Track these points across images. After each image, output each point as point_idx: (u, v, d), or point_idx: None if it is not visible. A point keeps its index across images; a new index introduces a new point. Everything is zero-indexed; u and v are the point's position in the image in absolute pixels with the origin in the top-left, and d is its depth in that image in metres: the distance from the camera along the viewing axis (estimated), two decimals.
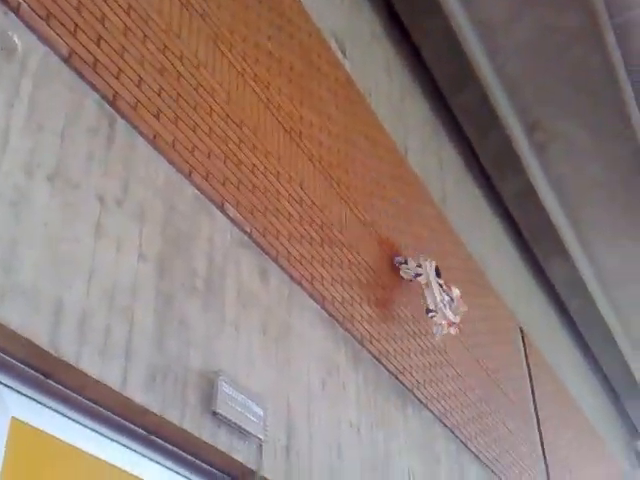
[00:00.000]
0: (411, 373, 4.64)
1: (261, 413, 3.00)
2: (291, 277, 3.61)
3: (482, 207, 7.84)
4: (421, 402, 4.70)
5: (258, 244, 3.42)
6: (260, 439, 2.96)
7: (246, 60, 3.85)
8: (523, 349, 7.72)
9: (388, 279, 4.74)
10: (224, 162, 3.36)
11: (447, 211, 6.45)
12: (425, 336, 5.07)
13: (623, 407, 12.40)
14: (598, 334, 10.39)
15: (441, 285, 4.92)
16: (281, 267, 3.54)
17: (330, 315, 3.86)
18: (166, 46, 3.22)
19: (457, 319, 4.91)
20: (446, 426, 5.00)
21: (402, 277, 4.90)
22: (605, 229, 8.85)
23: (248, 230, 3.37)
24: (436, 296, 4.78)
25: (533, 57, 6.88)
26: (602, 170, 7.95)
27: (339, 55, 5.06)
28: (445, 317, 4.79)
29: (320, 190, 4.23)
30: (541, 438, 7.37)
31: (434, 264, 4.97)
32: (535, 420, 7.42)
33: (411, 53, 6.59)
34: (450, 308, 4.89)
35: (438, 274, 4.97)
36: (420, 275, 4.84)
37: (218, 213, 3.21)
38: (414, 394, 4.61)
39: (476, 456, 5.41)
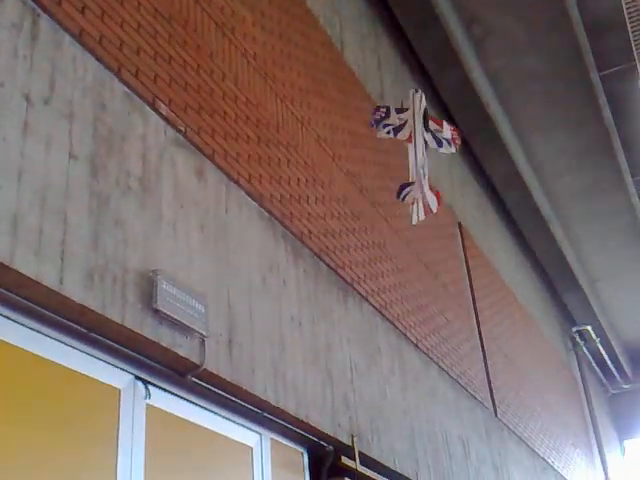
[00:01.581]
0: (351, 268, 4.75)
1: (202, 309, 3.06)
2: (228, 176, 3.60)
3: None
4: (361, 295, 4.83)
5: (193, 143, 3.39)
6: (202, 334, 3.03)
7: None
8: (461, 243, 7.94)
9: (325, 176, 4.77)
10: (154, 59, 3.28)
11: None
12: (365, 232, 5.17)
13: (559, 297, 12.95)
14: (535, 226, 10.70)
15: (427, 128, 4.33)
16: (217, 166, 3.53)
17: (269, 213, 3.90)
18: None
19: (433, 201, 4.37)
20: (386, 318, 5.17)
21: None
22: (541, 121, 8.97)
23: (182, 128, 3.33)
24: (417, 156, 4.24)
25: None
26: (538, 62, 7.99)
27: None
28: (421, 190, 4.28)
29: (255, 87, 4.17)
30: (478, 327, 7.70)
31: (424, 103, 4.33)
32: (473, 310, 7.73)
33: None
34: (426, 168, 4.36)
35: (425, 118, 4.34)
36: (403, 127, 4.31)
37: (150, 111, 3.16)
38: (354, 288, 4.74)
39: (415, 345, 5.64)
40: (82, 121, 2.73)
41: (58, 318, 2.51)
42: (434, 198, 4.60)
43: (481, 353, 7.54)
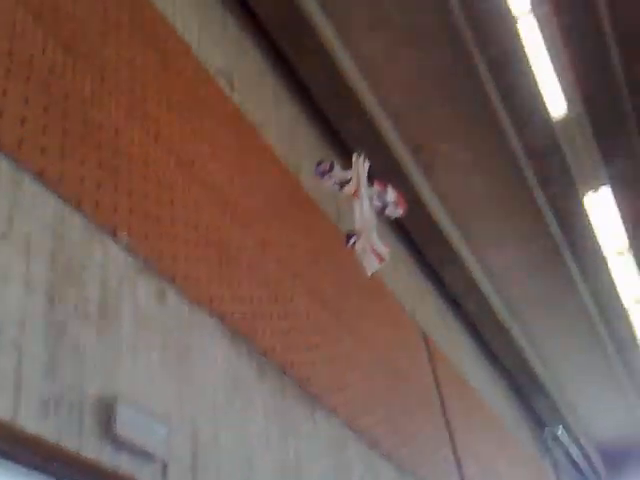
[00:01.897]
0: (317, 381, 4.58)
1: (164, 433, 2.88)
2: (190, 297, 3.51)
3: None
4: (330, 408, 4.64)
5: (154, 268, 3.32)
6: (164, 460, 2.84)
7: (133, 97, 3.76)
8: (427, 352, 7.79)
9: (287, 293, 4.69)
10: (114, 191, 3.26)
11: (342, 226, 6.45)
12: (330, 345, 5.03)
13: (528, 400, 12.65)
14: (496, 333, 10.58)
15: (378, 192, 4.19)
16: (179, 288, 3.44)
17: (232, 331, 3.78)
18: (49, 85, 3.11)
19: (383, 249, 4.13)
20: (356, 430, 4.95)
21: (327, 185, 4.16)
22: (492, 236, 9.11)
23: (143, 255, 3.27)
24: (364, 207, 4.06)
25: (413, 90, 7.09)
26: (484, 183, 8.22)
27: (228, 90, 5.03)
28: (370, 241, 4.04)
29: (215, 215, 4.15)
30: (450, 435, 7.42)
31: (367, 164, 4.18)
32: (444, 418, 7.47)
33: (300, 87, 6.63)
34: (374, 222, 4.18)
35: (370, 179, 4.18)
36: (348, 183, 4.12)
37: (110, 240, 3.10)
38: (322, 401, 4.55)
39: (387, 456, 5.38)
40: (41, 253, 2.66)
41: (12, 450, 2.32)
42: (384, 247, 4.36)
43: (455, 463, 7.21)
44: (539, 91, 7.28)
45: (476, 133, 7.68)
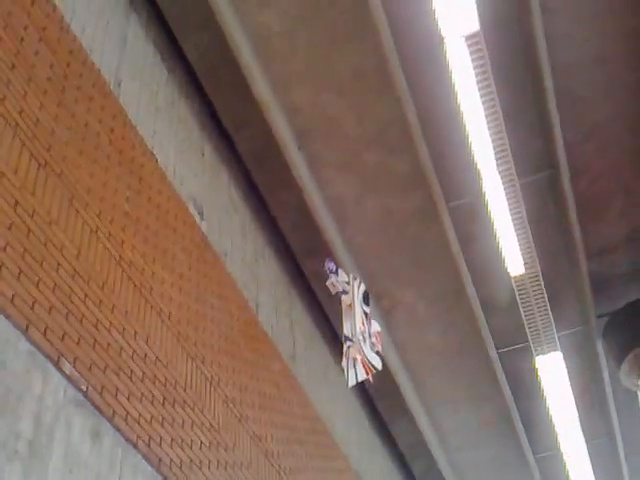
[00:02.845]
0: None
1: None
2: (126, 438, 3.38)
3: (330, 366, 7.88)
4: None
5: (94, 403, 3.21)
6: None
7: (101, 219, 3.80)
8: None
9: (230, 439, 4.56)
10: (66, 317, 3.21)
11: (296, 369, 6.42)
12: None
13: None
14: None
15: (366, 314, 4.29)
16: (116, 428, 3.32)
17: (165, 479, 3.62)
18: (17, 202, 3.14)
19: (377, 360, 4.17)
20: None
21: (328, 287, 4.27)
22: (446, 393, 9.11)
23: (84, 388, 3.17)
24: (357, 323, 4.15)
25: (378, 233, 7.30)
26: (440, 336, 8.31)
27: (196, 218, 5.12)
28: (361, 352, 4.10)
29: (167, 346, 4.10)
30: None
31: (363, 288, 4.36)
32: None
33: (266, 219, 6.79)
34: (367, 336, 4.23)
35: (366, 301, 4.35)
36: (346, 293, 4.26)
37: (53, 369, 3.02)
38: None
39: None
40: None
41: None
42: (378, 358, 4.32)
43: None
44: (499, 246, 7.54)
45: (436, 284, 7.87)
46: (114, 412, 3.33)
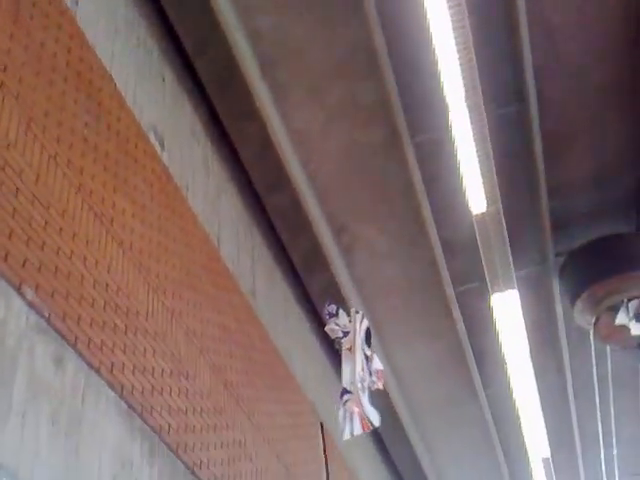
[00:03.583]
0: (209, 467, 4.51)
1: None
2: (89, 365, 3.44)
3: (290, 302, 8.02)
4: None
5: (56, 329, 3.25)
6: None
7: (60, 144, 3.76)
8: (322, 444, 7.80)
9: (191, 368, 4.66)
10: (26, 243, 3.21)
11: (256, 304, 6.52)
12: (226, 429, 4.99)
13: None
14: (394, 433, 10.71)
15: (367, 357, 4.22)
16: (79, 354, 3.38)
17: (128, 405, 3.71)
18: None
19: (374, 415, 4.10)
20: None
21: (327, 332, 4.23)
22: (401, 330, 9.33)
23: (46, 314, 3.20)
24: (357, 368, 4.08)
25: (341, 168, 7.33)
26: (398, 273, 8.47)
27: (157, 148, 5.08)
28: (359, 405, 4.04)
29: (128, 277, 4.13)
30: None
31: (366, 324, 4.25)
32: None
33: (229, 153, 6.75)
34: (366, 383, 4.20)
35: (368, 341, 4.25)
36: (347, 335, 4.20)
37: (15, 295, 3.04)
38: None
39: None
40: None
41: None
42: (375, 412, 4.39)
43: None
44: (462, 183, 7.56)
45: (398, 220, 7.97)
46: (76, 339, 3.38)
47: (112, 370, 3.62)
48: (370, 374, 4.37)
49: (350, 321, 4.33)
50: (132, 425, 3.73)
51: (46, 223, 3.42)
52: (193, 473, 4.28)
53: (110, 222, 4.09)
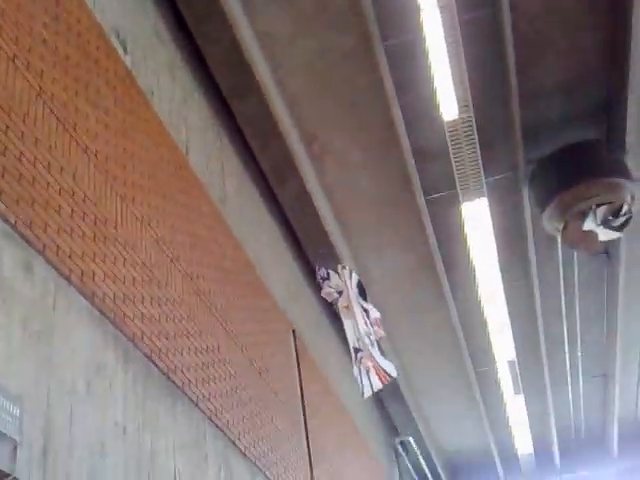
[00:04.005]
0: (183, 372, 4.61)
1: (17, 413, 2.84)
2: (59, 272, 3.45)
3: (261, 211, 8.02)
4: (192, 401, 4.68)
5: (23, 236, 3.23)
6: (15, 440, 2.80)
7: (18, 45, 3.63)
8: (295, 350, 7.99)
9: (163, 276, 4.69)
10: None
11: (226, 213, 6.51)
12: (200, 335, 5.07)
13: (385, 407, 13.22)
14: None
15: (365, 309, 4.23)
16: (48, 261, 3.37)
17: (100, 312, 3.74)
18: None
19: (389, 366, 4.11)
20: (216, 425, 5.03)
21: (324, 297, 4.24)
22: (370, 239, 9.43)
23: (12, 221, 3.17)
24: (359, 324, 3.97)
25: (312, 74, 7.20)
26: (370, 183, 8.49)
27: (120, 51, 4.93)
28: (373, 359, 3.94)
29: (94, 184, 4.08)
30: (307, 436, 7.66)
31: (356, 277, 4.12)
32: (302, 419, 7.70)
33: (195, 57, 6.58)
34: (372, 336, 4.20)
35: (362, 294, 4.15)
36: (341, 294, 4.24)
37: None
38: (185, 393, 4.59)
39: (243, 454, 5.50)
40: None
41: None
42: (389, 362, 4.44)
43: (308, 463, 7.46)
44: (434, 89, 7.47)
45: (368, 127, 7.92)
46: (44, 246, 3.36)
47: (82, 278, 3.63)
48: (371, 324, 4.42)
49: (341, 279, 4.37)
50: (105, 332, 3.77)
51: (7, 128, 3.34)
52: (167, 377, 4.38)
53: (73, 127, 4.01)
